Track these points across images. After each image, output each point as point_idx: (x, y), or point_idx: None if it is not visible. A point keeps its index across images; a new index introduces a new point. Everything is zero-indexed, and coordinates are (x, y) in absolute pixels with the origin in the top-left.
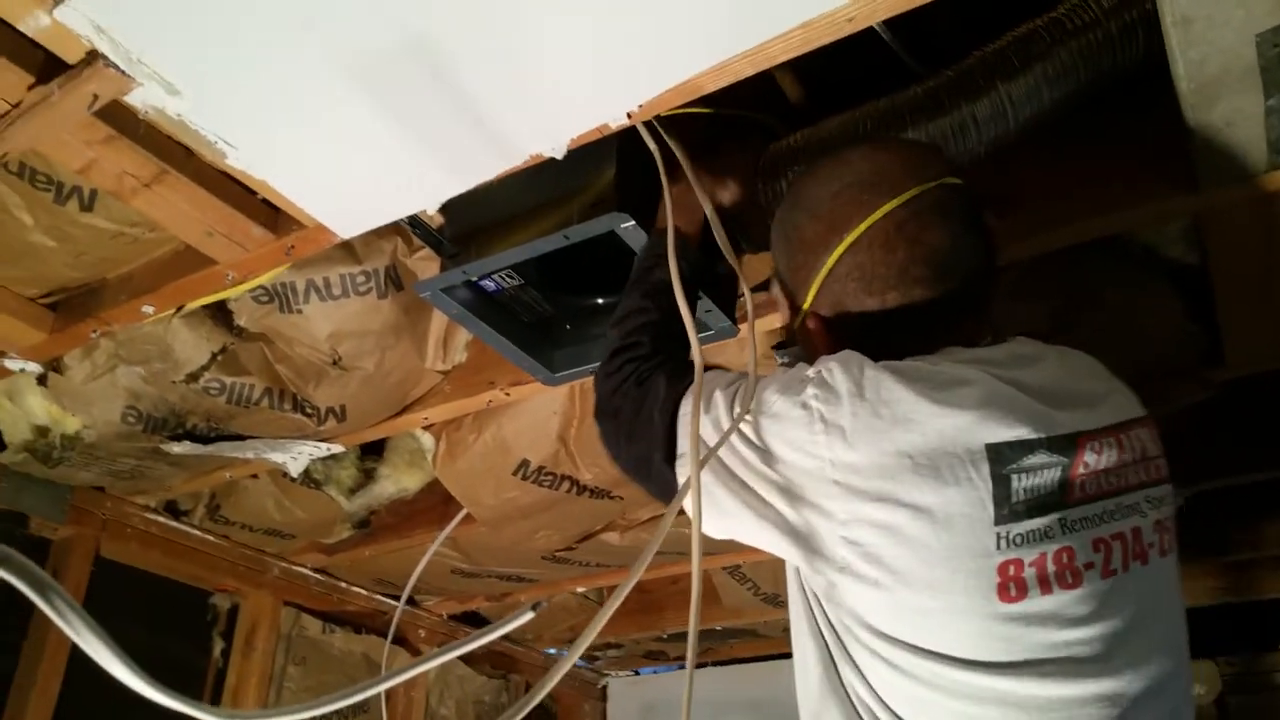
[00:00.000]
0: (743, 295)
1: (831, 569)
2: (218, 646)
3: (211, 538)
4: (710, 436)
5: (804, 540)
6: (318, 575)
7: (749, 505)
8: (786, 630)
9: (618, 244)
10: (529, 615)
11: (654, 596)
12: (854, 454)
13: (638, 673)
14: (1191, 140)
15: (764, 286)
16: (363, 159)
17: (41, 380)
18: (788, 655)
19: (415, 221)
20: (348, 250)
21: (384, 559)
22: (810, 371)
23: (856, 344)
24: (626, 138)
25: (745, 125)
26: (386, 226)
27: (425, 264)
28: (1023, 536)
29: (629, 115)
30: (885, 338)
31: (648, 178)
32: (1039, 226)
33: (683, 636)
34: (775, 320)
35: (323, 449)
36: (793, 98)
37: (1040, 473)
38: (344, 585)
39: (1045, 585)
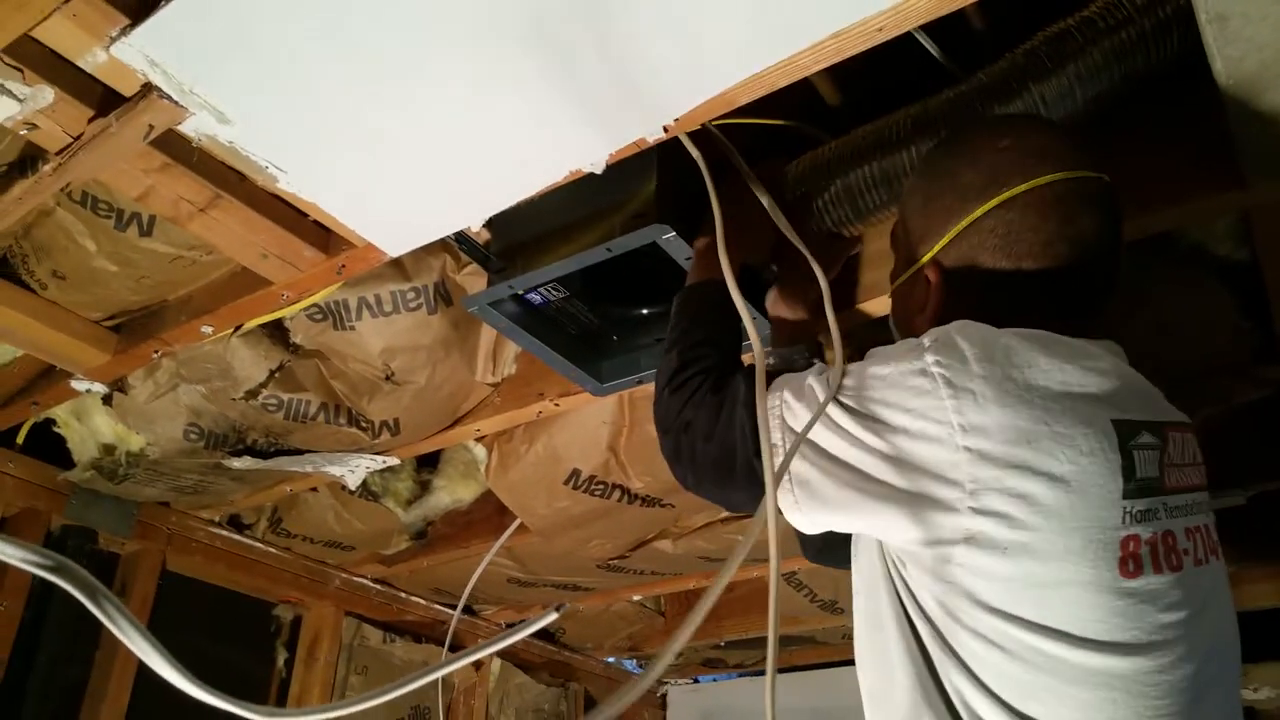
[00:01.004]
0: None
1: (951, 543)
2: (281, 657)
3: (274, 550)
4: (804, 424)
5: (921, 514)
6: (378, 586)
7: (855, 487)
8: (845, 637)
9: (662, 255)
10: (553, 616)
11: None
12: (985, 417)
13: (696, 680)
14: (1236, 136)
15: None
16: (408, 179)
17: (107, 400)
18: (847, 662)
19: (461, 238)
20: (398, 268)
21: (442, 569)
22: (926, 339)
23: (971, 303)
24: (669, 148)
25: (791, 135)
26: (434, 244)
27: (473, 279)
28: (1142, 514)
29: (665, 129)
30: (1003, 304)
31: (692, 187)
32: None
33: (741, 644)
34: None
35: (379, 462)
36: (833, 105)
37: (1148, 452)
38: (403, 595)
39: (1156, 565)
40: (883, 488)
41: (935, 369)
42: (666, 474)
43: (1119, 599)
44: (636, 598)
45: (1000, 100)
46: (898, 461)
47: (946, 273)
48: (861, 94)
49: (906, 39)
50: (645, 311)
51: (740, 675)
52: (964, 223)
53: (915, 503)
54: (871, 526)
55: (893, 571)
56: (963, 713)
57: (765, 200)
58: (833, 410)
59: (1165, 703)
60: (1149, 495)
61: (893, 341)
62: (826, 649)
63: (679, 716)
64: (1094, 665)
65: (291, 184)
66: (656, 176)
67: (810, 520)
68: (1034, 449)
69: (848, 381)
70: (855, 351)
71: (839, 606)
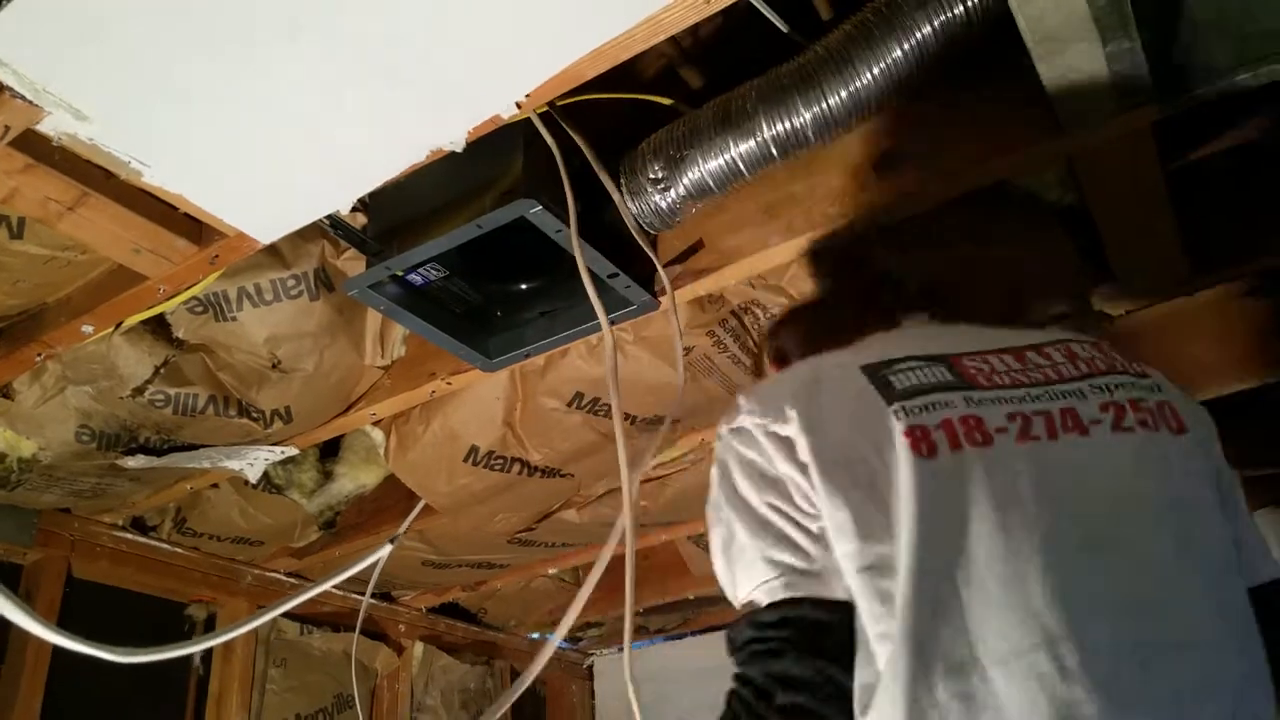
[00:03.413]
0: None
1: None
2: (197, 655)
3: (181, 550)
4: None
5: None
6: (291, 579)
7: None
8: None
9: (536, 229)
10: (388, 549)
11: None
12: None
13: (619, 649)
14: (1047, 89)
15: (680, 259)
16: (271, 167)
17: None
18: None
19: (336, 222)
20: (275, 256)
21: (354, 558)
22: None
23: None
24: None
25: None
26: (312, 230)
27: (353, 264)
28: (920, 408)
29: (518, 105)
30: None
31: (568, 164)
32: (929, 180)
33: (661, 610)
34: (697, 289)
35: (277, 452)
36: (691, 80)
37: (919, 371)
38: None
39: (954, 443)
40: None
41: None
42: (563, 444)
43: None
44: (552, 571)
45: (835, 70)
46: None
47: None
48: (723, 69)
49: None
50: (525, 286)
51: (664, 640)
52: None
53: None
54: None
55: None
56: None
57: (612, 193)
58: None
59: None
60: (926, 394)
61: None
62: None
63: (606, 685)
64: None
65: (157, 177)
66: (524, 153)
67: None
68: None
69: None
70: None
71: None
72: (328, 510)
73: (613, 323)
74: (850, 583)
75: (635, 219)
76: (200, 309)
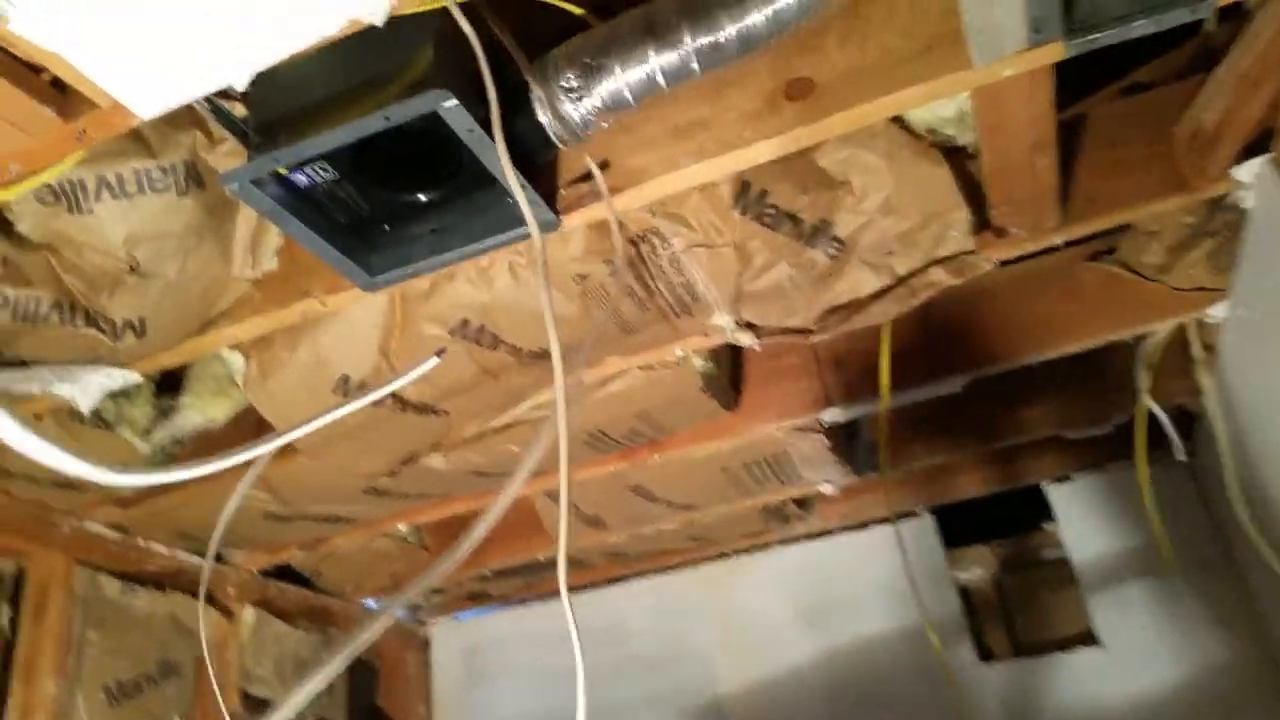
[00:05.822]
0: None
1: None
2: (4, 614)
3: None
4: None
5: None
6: (113, 532)
7: None
8: (608, 555)
9: (438, 134)
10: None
11: None
12: None
13: (457, 617)
14: (962, 20)
15: (585, 178)
16: (165, 23)
17: None
18: (613, 581)
19: (217, 109)
20: (142, 144)
21: (185, 510)
22: None
23: None
24: (447, 21)
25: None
26: (184, 118)
27: (228, 159)
28: None
29: None
30: None
31: (472, 63)
32: (833, 108)
33: (505, 574)
34: (599, 211)
35: (117, 377)
36: None
37: None
38: (142, 544)
39: None
40: None
41: None
42: (442, 378)
43: None
44: (402, 527)
45: None
46: None
47: None
48: None
49: None
50: (422, 198)
51: (505, 607)
52: None
53: None
54: None
55: None
56: None
57: (533, 83)
58: None
59: None
60: None
61: None
62: (590, 570)
63: (443, 655)
64: None
65: (23, 26)
66: (434, 44)
67: None
68: None
69: None
70: None
71: (601, 520)
72: (163, 451)
73: (507, 243)
74: None
75: (547, 128)
76: (52, 199)
